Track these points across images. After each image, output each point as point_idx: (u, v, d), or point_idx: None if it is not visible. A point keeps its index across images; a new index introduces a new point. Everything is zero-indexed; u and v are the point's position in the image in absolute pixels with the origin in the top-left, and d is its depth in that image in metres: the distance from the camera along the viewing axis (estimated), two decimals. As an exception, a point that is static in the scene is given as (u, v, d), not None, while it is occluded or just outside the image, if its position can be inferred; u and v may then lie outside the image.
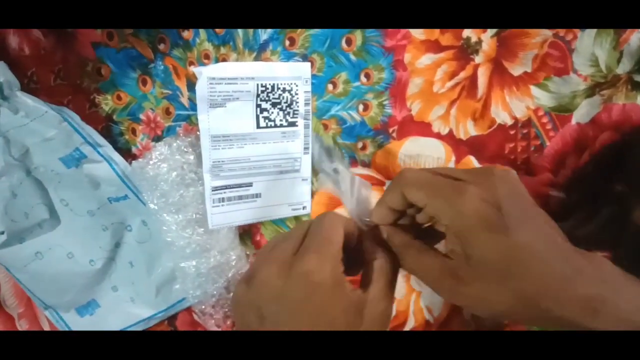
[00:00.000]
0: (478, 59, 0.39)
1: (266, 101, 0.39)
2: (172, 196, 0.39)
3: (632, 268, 0.23)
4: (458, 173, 0.26)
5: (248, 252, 0.44)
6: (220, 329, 0.44)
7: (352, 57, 0.39)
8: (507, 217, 0.23)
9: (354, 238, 0.28)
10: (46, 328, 0.46)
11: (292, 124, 0.40)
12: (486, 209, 0.23)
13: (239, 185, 0.40)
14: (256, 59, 0.39)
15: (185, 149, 0.39)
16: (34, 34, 0.39)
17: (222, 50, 0.39)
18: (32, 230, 0.39)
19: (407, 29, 0.38)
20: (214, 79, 0.37)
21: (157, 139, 0.42)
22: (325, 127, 0.41)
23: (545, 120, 0.40)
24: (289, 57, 0.40)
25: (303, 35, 0.39)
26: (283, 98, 0.40)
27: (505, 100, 0.40)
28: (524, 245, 0.23)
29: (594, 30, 0.37)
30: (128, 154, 0.42)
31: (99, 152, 0.40)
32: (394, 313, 0.39)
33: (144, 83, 0.41)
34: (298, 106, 0.40)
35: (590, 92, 0.38)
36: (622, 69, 0.37)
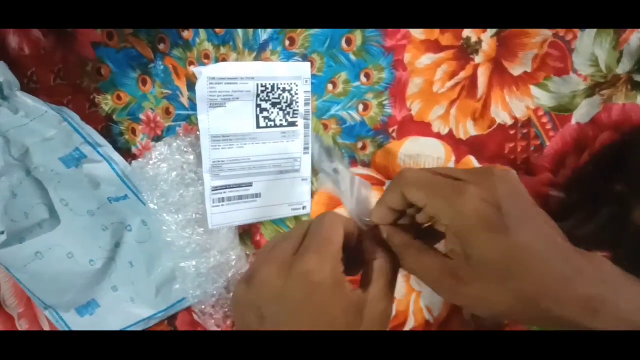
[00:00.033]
0: (478, 59, 0.39)
1: (266, 101, 0.39)
2: (172, 196, 0.39)
3: (632, 268, 0.23)
4: (458, 173, 0.26)
5: (248, 252, 0.44)
6: (220, 329, 0.44)
7: (352, 57, 0.39)
8: (507, 217, 0.23)
9: (354, 238, 0.28)
10: (46, 328, 0.46)
11: (292, 124, 0.40)
12: (486, 209, 0.23)
13: (239, 185, 0.40)
14: (256, 59, 0.39)
15: (185, 149, 0.39)
16: (34, 34, 0.39)
17: (222, 50, 0.39)
18: (32, 230, 0.39)
19: (407, 29, 0.38)
20: (214, 79, 0.37)
21: (157, 139, 0.42)
22: (325, 127, 0.41)
23: (545, 120, 0.40)
24: (289, 57, 0.39)
25: (303, 35, 0.39)
26: (283, 98, 0.40)
27: (505, 100, 0.40)
28: (524, 245, 0.23)
29: (594, 30, 0.37)
30: (128, 154, 0.42)
31: (99, 152, 0.40)
32: (394, 313, 0.39)
33: (144, 83, 0.41)
34: (298, 106, 0.40)
35: (590, 92, 0.38)
36: (622, 69, 0.37)
